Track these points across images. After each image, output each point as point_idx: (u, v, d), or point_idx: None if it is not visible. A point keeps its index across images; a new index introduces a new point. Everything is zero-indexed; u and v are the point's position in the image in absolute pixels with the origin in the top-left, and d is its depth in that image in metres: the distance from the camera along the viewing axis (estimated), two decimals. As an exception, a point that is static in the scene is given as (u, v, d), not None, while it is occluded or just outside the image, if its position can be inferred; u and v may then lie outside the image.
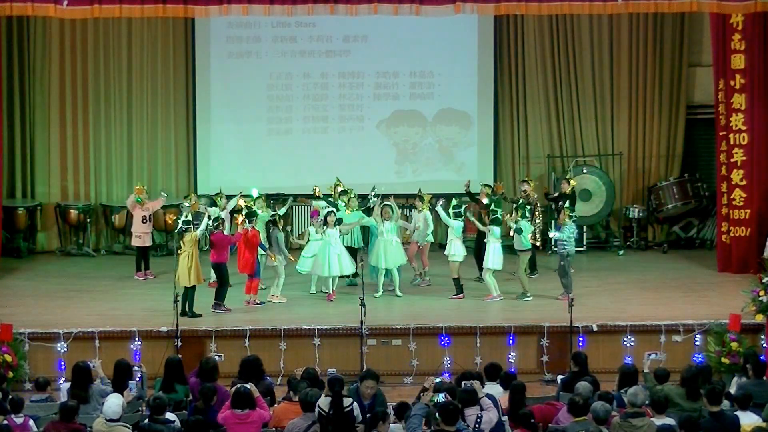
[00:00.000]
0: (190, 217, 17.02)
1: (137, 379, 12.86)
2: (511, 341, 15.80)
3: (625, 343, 15.81)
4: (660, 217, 21.42)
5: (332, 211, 17.39)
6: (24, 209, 20.38)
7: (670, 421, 11.23)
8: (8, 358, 14.88)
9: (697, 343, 15.84)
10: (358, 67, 21.32)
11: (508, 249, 17.84)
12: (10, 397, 11.98)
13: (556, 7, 17.19)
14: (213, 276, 17.24)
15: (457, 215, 17.50)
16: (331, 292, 17.32)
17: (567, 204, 18.25)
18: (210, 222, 16.89)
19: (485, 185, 18.80)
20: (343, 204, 17.99)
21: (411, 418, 11.10)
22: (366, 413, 11.49)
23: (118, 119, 21.20)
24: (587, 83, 21.60)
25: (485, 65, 21.36)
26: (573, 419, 11.22)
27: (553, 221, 19.49)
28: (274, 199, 20.45)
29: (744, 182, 18.84)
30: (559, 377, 13.73)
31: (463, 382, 11.92)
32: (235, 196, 18.36)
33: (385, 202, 17.61)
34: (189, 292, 16.36)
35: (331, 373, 12.39)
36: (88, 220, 20.78)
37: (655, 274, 19.16)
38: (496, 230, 17.18)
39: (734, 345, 15.36)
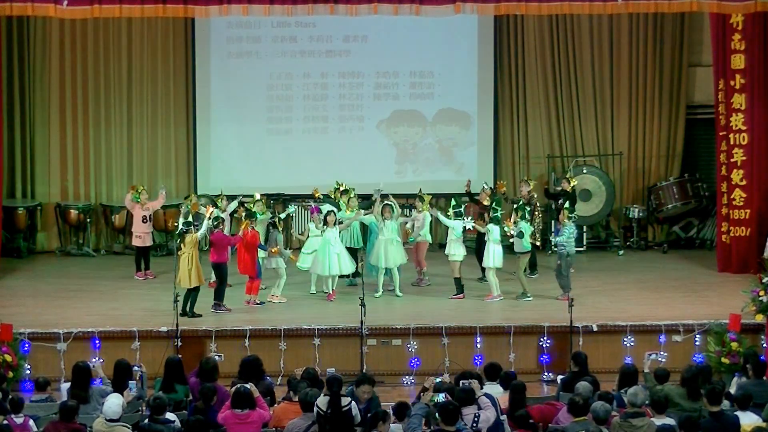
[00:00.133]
0: (190, 218, 17.03)
1: (137, 379, 12.87)
2: (511, 341, 15.80)
3: (625, 343, 15.81)
4: (660, 217, 21.42)
5: (332, 211, 17.39)
6: (24, 209, 20.37)
7: (670, 421, 11.23)
8: (8, 358, 14.88)
9: (697, 343, 15.84)
10: (358, 67, 21.31)
11: (508, 249, 17.84)
12: (11, 396, 11.98)
13: (556, 7, 17.20)
14: (213, 276, 17.22)
15: (457, 215, 17.51)
16: (330, 291, 17.32)
17: (567, 204, 18.24)
18: (210, 222, 16.87)
19: (485, 186, 18.77)
20: (344, 204, 17.98)
21: (411, 417, 11.11)
22: (361, 417, 11.49)
23: (118, 119, 21.19)
24: (587, 83, 21.60)
25: (485, 65, 21.36)
26: (573, 419, 11.22)
27: (553, 221, 19.51)
28: (274, 199, 20.45)
29: (744, 182, 18.84)
30: (559, 377, 13.74)
31: (461, 381, 11.94)
32: (236, 197, 18.38)
33: (386, 202, 17.61)
34: (191, 294, 16.34)
35: (330, 373, 12.39)
36: (88, 220, 20.78)
37: (655, 274, 19.15)
38: (496, 229, 17.18)
39: (734, 345, 15.36)
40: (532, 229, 18.12)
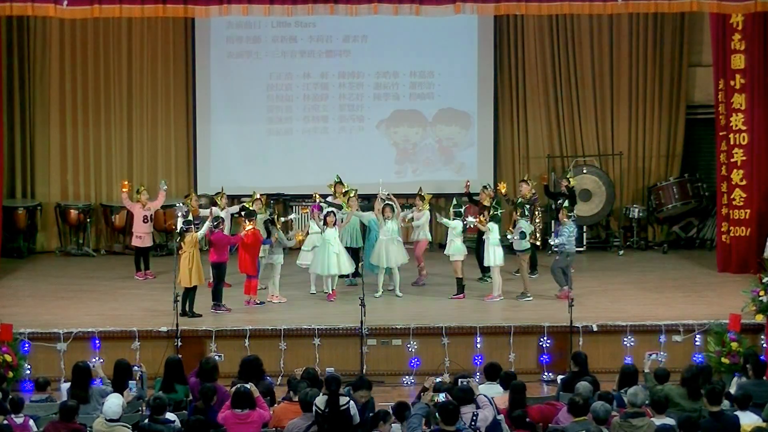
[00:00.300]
0: (190, 217, 17.03)
1: (137, 379, 12.87)
2: (511, 341, 15.81)
3: (625, 343, 15.81)
4: (660, 217, 21.42)
5: (332, 211, 17.39)
6: (24, 209, 20.37)
7: (670, 421, 11.23)
8: (8, 358, 14.88)
9: (697, 343, 15.84)
10: (358, 67, 21.31)
11: (508, 249, 17.84)
12: (11, 396, 11.98)
13: (556, 7, 17.20)
14: (212, 276, 17.22)
15: (457, 215, 17.52)
16: (330, 291, 17.32)
17: (566, 203, 18.23)
18: (211, 222, 16.86)
19: (485, 187, 18.78)
20: (345, 203, 17.98)
21: (411, 417, 11.11)
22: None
23: (118, 119, 21.19)
24: (587, 83, 21.60)
25: (485, 65, 21.36)
26: (573, 419, 11.23)
27: (553, 221, 19.52)
28: (274, 199, 20.47)
29: (744, 182, 18.84)
30: (559, 377, 13.74)
31: (459, 380, 11.96)
32: (236, 197, 18.37)
33: (386, 201, 17.61)
34: (189, 293, 16.35)
35: (329, 372, 12.40)
36: (88, 220, 20.78)
37: (655, 274, 19.16)
38: (496, 228, 17.18)
39: (734, 345, 15.36)
40: (533, 228, 18.12)
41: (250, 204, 17.61)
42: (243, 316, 16.41)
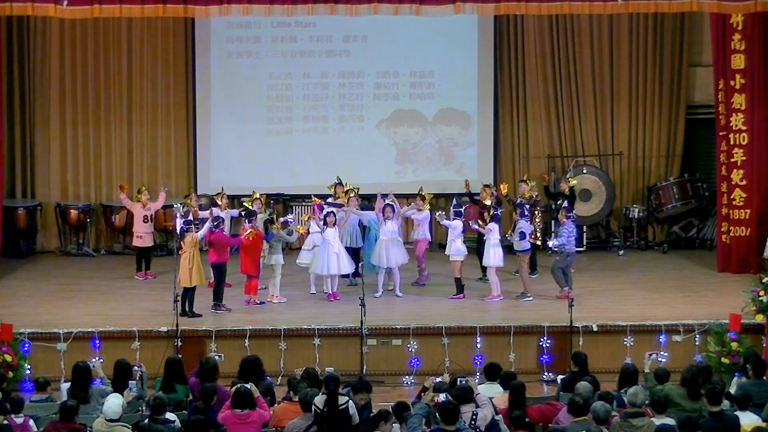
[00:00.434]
0: (190, 217, 17.03)
1: (137, 379, 12.87)
2: (511, 341, 15.81)
3: (625, 343, 15.81)
4: (660, 217, 21.42)
5: (332, 212, 17.39)
6: (24, 209, 20.37)
7: (670, 421, 11.23)
8: (8, 358, 14.88)
9: (697, 343, 15.84)
10: (358, 67, 21.32)
11: (508, 249, 17.84)
12: (11, 396, 11.98)
13: (556, 7, 17.20)
14: (213, 276, 17.22)
15: (457, 214, 17.53)
16: (330, 292, 17.32)
17: (566, 204, 18.22)
18: (211, 223, 16.84)
19: (486, 186, 18.79)
20: (345, 203, 17.98)
21: (411, 417, 11.11)
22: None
23: (118, 119, 21.19)
24: (587, 83, 21.60)
25: (485, 65, 21.36)
26: (573, 419, 11.23)
27: (553, 221, 19.52)
28: (274, 199, 20.47)
29: (744, 182, 18.84)
30: (559, 377, 13.74)
31: (458, 379, 11.96)
32: (236, 197, 18.35)
33: (387, 202, 17.62)
34: (189, 293, 16.35)
35: (328, 372, 12.39)
36: (88, 220, 20.78)
37: (655, 274, 19.16)
38: (496, 229, 17.19)
39: (734, 345, 15.36)
40: (533, 228, 18.12)
41: (250, 204, 17.61)
42: (243, 316, 16.40)
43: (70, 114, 21.09)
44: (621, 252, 20.90)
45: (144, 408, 12.75)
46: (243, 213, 17.30)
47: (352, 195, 18.02)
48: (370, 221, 18.01)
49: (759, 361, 13.27)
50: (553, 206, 19.38)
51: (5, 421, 11.57)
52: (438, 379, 12.27)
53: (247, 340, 15.56)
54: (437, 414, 10.99)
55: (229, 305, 16.72)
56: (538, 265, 18.83)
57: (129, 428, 11.32)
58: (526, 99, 21.63)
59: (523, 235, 17.27)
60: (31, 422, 11.78)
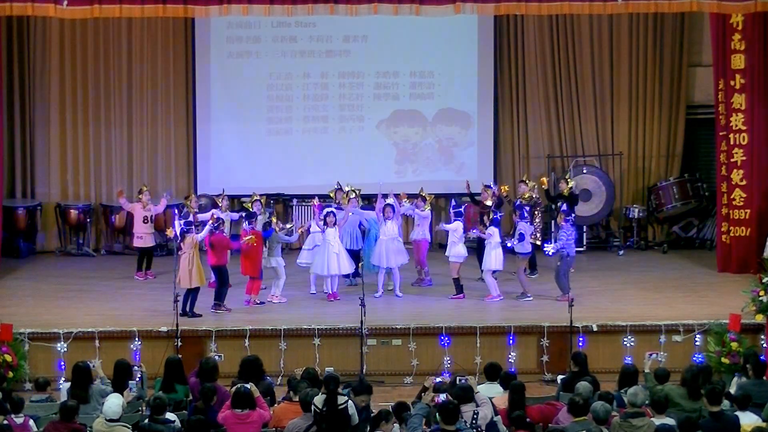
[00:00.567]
0: (191, 218, 17.02)
1: (137, 379, 12.87)
2: (511, 341, 15.81)
3: (625, 343, 15.82)
4: (660, 217, 21.42)
5: (332, 212, 17.39)
6: (24, 209, 20.37)
7: (670, 421, 11.23)
8: (8, 358, 14.88)
9: (697, 343, 15.84)
10: (358, 67, 21.31)
11: (510, 250, 17.83)
12: (12, 396, 11.98)
13: (556, 7, 17.21)
14: (213, 276, 17.21)
15: (456, 215, 17.52)
16: (330, 292, 17.32)
17: (563, 206, 18.20)
18: (211, 225, 16.82)
19: (487, 186, 18.79)
20: (345, 203, 17.98)
21: (412, 417, 11.11)
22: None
23: (118, 119, 21.19)
24: (587, 83, 21.59)
25: (485, 65, 21.36)
26: (573, 419, 11.23)
27: (553, 221, 19.52)
28: (273, 199, 20.46)
29: (744, 182, 18.84)
30: (559, 377, 13.74)
31: (457, 378, 11.96)
32: (236, 197, 18.32)
33: (387, 202, 17.62)
34: (190, 293, 16.34)
35: (328, 372, 12.40)
36: (88, 220, 20.78)
37: (655, 274, 19.16)
38: (496, 232, 17.18)
39: (734, 345, 15.37)
40: (532, 229, 18.11)
41: (250, 205, 17.61)
42: (243, 316, 16.40)
43: (70, 114, 21.09)
44: (621, 252, 20.89)
45: (144, 408, 12.76)
46: (243, 215, 17.28)
47: (353, 196, 18.02)
48: (369, 221, 18.00)
49: (759, 361, 13.29)
50: (553, 207, 19.37)
51: (5, 421, 11.57)
52: (438, 379, 12.28)
53: (247, 340, 15.57)
54: (437, 414, 11.00)
55: (229, 305, 16.72)
56: (538, 265, 18.83)
57: (129, 428, 11.32)
58: (526, 99, 21.62)
59: (522, 237, 17.26)
60: (31, 422, 11.78)
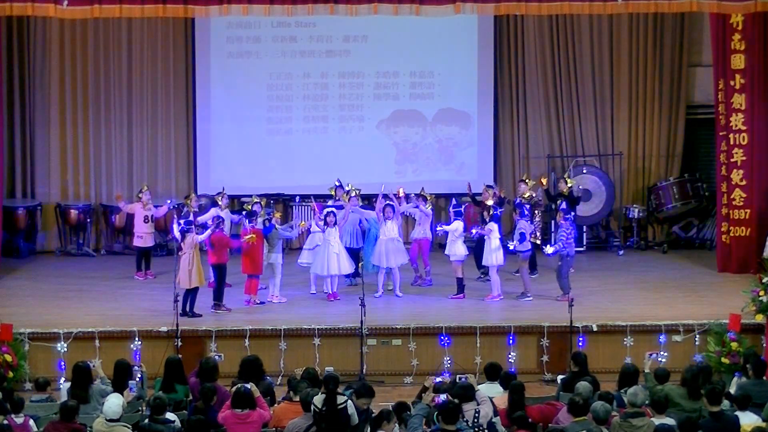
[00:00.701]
0: (191, 218, 17.02)
1: (137, 379, 12.87)
2: (511, 341, 15.82)
3: (625, 343, 15.82)
4: (660, 217, 21.42)
5: (332, 212, 17.39)
6: (24, 209, 20.36)
7: (670, 421, 11.23)
8: (8, 358, 14.89)
9: (697, 343, 15.84)
10: (358, 67, 21.30)
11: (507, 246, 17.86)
12: (13, 396, 11.98)
13: (556, 7, 17.21)
14: (213, 276, 17.20)
15: (456, 215, 17.53)
16: (330, 292, 17.32)
17: (565, 203, 18.22)
18: (213, 225, 16.82)
19: (488, 186, 18.81)
20: (345, 202, 17.98)
21: (412, 418, 11.11)
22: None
23: (118, 119, 21.18)
24: (587, 83, 21.59)
25: (485, 65, 21.35)
26: (573, 419, 11.23)
27: (553, 221, 19.53)
28: (274, 199, 20.46)
29: (744, 182, 18.84)
30: (559, 377, 13.74)
31: (457, 376, 11.96)
32: (236, 197, 18.30)
33: (387, 202, 17.62)
34: (190, 293, 16.34)
35: (327, 371, 12.40)
36: (88, 220, 20.78)
37: (655, 274, 19.15)
38: (497, 229, 17.19)
39: (734, 345, 15.37)
40: (533, 228, 18.12)
41: (249, 207, 17.59)
42: (243, 316, 16.40)
43: (70, 114, 21.08)
44: (621, 252, 20.88)
45: (144, 408, 12.75)
46: (244, 213, 17.27)
47: (353, 195, 18.02)
48: (369, 221, 18.00)
49: (759, 361, 13.28)
50: (553, 206, 19.37)
51: (5, 421, 11.57)
52: (438, 379, 12.28)
53: (247, 340, 15.56)
54: (438, 414, 10.99)
55: (229, 305, 16.72)
56: (538, 265, 18.83)
57: (129, 428, 11.32)
58: (526, 99, 21.62)
59: (523, 237, 17.26)
60: (31, 422, 11.78)
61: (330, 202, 18.20)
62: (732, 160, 18.87)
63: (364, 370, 15.54)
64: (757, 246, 18.37)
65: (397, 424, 11.19)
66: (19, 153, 21.03)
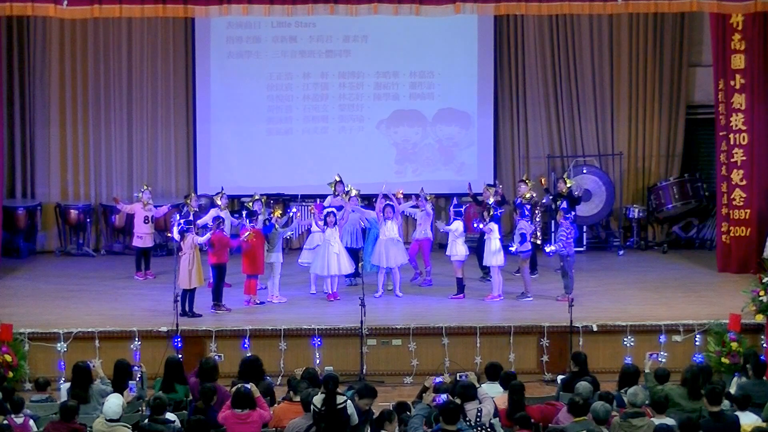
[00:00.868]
0: (191, 217, 17.02)
1: (137, 379, 12.87)
2: (511, 341, 15.81)
3: (625, 343, 15.82)
4: (660, 217, 21.42)
5: (332, 212, 17.39)
6: (24, 209, 20.36)
7: (670, 421, 11.23)
8: (8, 358, 14.89)
9: (697, 343, 15.84)
10: (358, 67, 21.31)
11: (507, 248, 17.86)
12: (13, 396, 11.98)
13: (556, 7, 17.22)
14: (212, 276, 17.19)
15: (457, 214, 17.53)
16: (330, 292, 17.32)
17: (565, 203, 18.22)
18: (213, 224, 16.80)
19: (489, 185, 18.81)
20: (345, 201, 17.99)
21: (412, 418, 11.11)
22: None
23: (118, 119, 21.18)
24: (587, 83, 21.59)
25: (485, 65, 21.35)
26: (573, 419, 11.23)
27: (553, 221, 19.53)
28: (274, 199, 20.46)
29: (744, 182, 18.84)
30: (559, 377, 13.74)
31: (457, 375, 11.95)
32: (236, 197, 18.28)
33: (387, 202, 17.62)
34: (189, 293, 16.35)
35: (327, 371, 12.40)
36: (88, 220, 20.78)
37: (655, 274, 19.15)
38: (497, 229, 17.19)
39: (734, 345, 15.37)
40: (533, 228, 18.12)
41: (251, 204, 17.61)
42: (243, 316, 16.40)
43: (70, 114, 21.09)
44: (621, 252, 20.88)
45: (144, 408, 12.75)
46: (245, 213, 17.27)
47: (353, 194, 18.03)
48: (369, 221, 18.00)
49: (759, 361, 13.28)
50: (553, 206, 19.37)
51: (5, 421, 11.57)
52: (438, 379, 12.27)
53: (247, 340, 15.56)
54: (438, 415, 10.99)
55: (229, 305, 16.72)
56: (538, 265, 18.83)
57: (129, 428, 11.32)
58: (526, 99, 21.62)
59: (523, 237, 17.26)
60: (31, 422, 11.78)
61: (328, 198, 18.18)
62: (732, 160, 18.87)
63: (364, 370, 15.54)
64: (757, 246, 18.38)
65: (397, 425, 11.19)
66: (19, 153, 21.04)
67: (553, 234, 19.68)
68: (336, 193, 18.20)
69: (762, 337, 15.61)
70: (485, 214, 17.58)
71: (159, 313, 16.20)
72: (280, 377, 15.27)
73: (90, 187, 21.24)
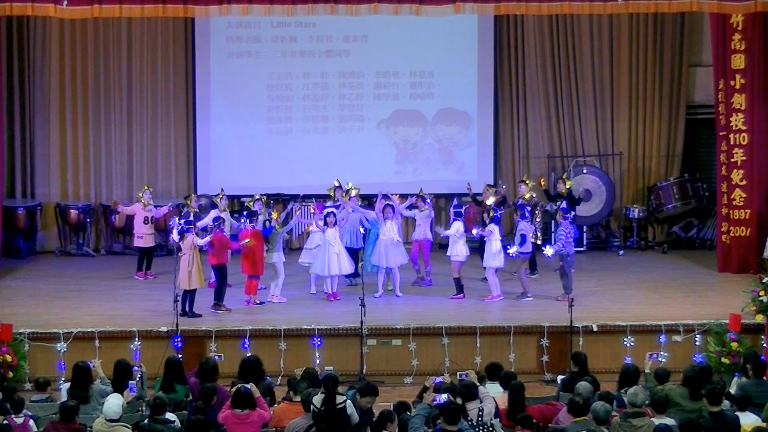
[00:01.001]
0: (191, 218, 17.01)
1: (137, 379, 12.87)
2: (511, 341, 15.81)
3: (625, 343, 15.82)
4: (660, 217, 21.42)
5: (332, 212, 17.39)
6: (24, 209, 20.36)
7: (670, 421, 11.23)
8: (8, 358, 14.89)
9: (697, 343, 15.84)
10: (358, 67, 21.30)
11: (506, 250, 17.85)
12: (13, 396, 11.98)
13: (556, 7, 17.22)
14: (213, 276, 17.21)
15: (457, 215, 17.52)
16: (330, 292, 17.33)
17: (565, 203, 18.21)
18: (212, 224, 16.80)
19: (489, 186, 18.80)
20: (345, 201, 17.98)
21: (413, 418, 11.11)
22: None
23: (118, 119, 21.18)
24: (587, 83, 21.58)
25: (485, 65, 21.35)
26: (573, 419, 11.23)
27: (553, 221, 19.53)
28: (274, 199, 20.46)
29: (744, 182, 18.84)
30: (559, 377, 13.74)
31: (458, 374, 11.94)
32: (236, 197, 18.27)
33: (387, 202, 17.62)
34: (189, 293, 16.34)
35: (327, 371, 12.40)
36: (88, 220, 20.78)
37: (655, 274, 19.15)
38: (497, 230, 17.19)
39: (734, 345, 15.37)
40: (533, 228, 18.11)
41: (251, 204, 17.61)
42: (243, 316, 16.41)
43: (70, 114, 21.09)
44: (621, 252, 20.88)
45: (144, 408, 12.75)
46: (245, 213, 17.27)
47: (353, 194, 18.03)
48: (370, 221, 17.99)
49: (759, 361, 13.28)
50: (554, 207, 19.36)
51: (5, 421, 11.57)
52: (438, 379, 12.27)
53: (247, 340, 15.56)
54: (439, 415, 10.98)
55: (229, 305, 16.72)
56: (538, 265, 18.83)
57: (129, 428, 11.32)
58: (526, 99, 21.62)
59: (524, 238, 17.25)
60: (31, 422, 11.78)
61: (329, 203, 18.19)
62: (732, 160, 18.87)
63: (364, 371, 15.54)
64: (757, 246, 18.38)
65: (397, 426, 11.20)
66: (19, 153, 21.04)
67: (552, 234, 19.67)
68: (336, 200, 18.17)
69: (762, 337, 15.61)
70: (485, 215, 17.58)
71: (159, 313, 16.21)
72: (280, 377, 15.27)
73: (90, 187, 21.24)
